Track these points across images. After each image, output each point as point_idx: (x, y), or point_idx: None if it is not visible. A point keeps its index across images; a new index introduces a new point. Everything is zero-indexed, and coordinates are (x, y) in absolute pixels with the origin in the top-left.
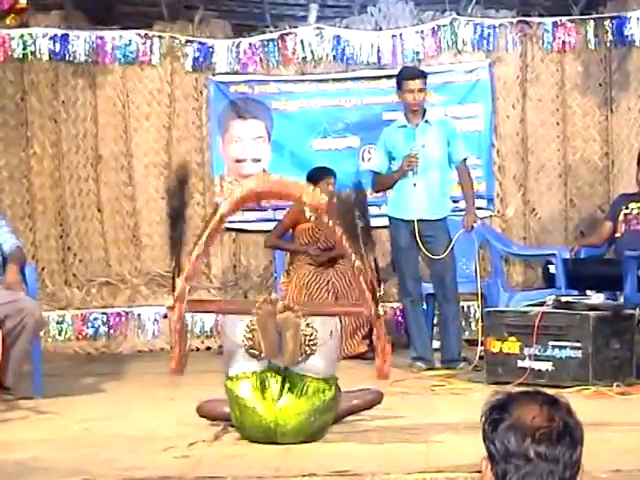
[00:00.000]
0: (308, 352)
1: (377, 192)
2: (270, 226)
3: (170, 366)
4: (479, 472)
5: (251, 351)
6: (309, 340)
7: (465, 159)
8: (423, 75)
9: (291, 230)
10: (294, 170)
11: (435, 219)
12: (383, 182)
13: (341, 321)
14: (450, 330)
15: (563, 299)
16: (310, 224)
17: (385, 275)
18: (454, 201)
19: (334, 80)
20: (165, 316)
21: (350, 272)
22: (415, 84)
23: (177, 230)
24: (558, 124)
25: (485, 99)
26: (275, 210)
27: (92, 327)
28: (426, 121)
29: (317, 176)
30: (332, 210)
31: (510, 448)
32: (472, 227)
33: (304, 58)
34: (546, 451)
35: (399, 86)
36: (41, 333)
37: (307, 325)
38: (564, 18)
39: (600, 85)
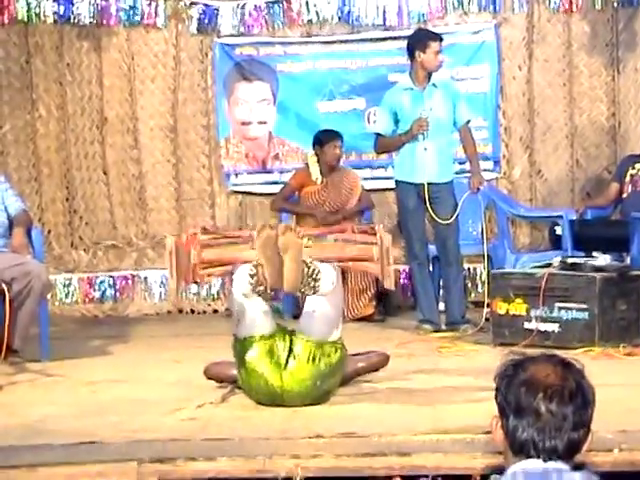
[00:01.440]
0: (311, 285)
1: (380, 154)
2: (276, 189)
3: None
4: (487, 433)
5: (257, 289)
6: (312, 272)
7: (468, 121)
8: (442, 37)
9: (297, 193)
10: (300, 133)
11: (443, 182)
12: (387, 144)
13: (347, 283)
14: (453, 292)
15: (569, 260)
16: (317, 186)
17: (392, 238)
18: (460, 163)
19: (340, 42)
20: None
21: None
22: (440, 45)
23: None
24: (565, 85)
25: (491, 60)
26: (281, 173)
27: (99, 290)
28: (433, 84)
29: (324, 139)
30: None
31: (522, 403)
32: (478, 189)
33: (309, 20)
34: (556, 408)
35: (423, 47)
36: (48, 296)
37: (310, 262)
38: None
39: (607, 45)
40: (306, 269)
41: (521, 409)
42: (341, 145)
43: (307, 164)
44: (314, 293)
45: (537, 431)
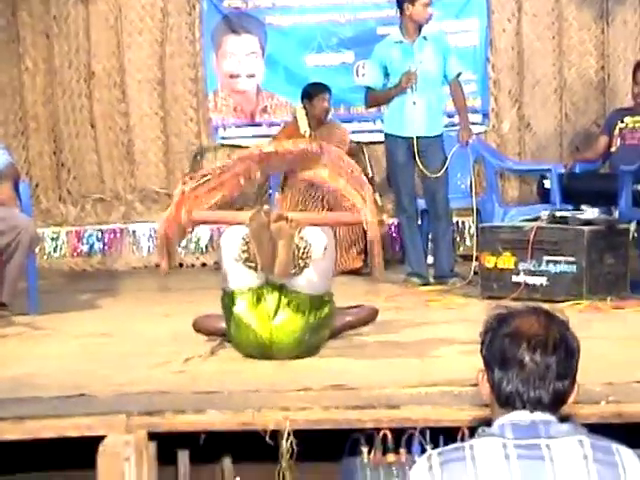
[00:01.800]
0: (302, 265)
1: (370, 107)
2: (265, 141)
3: (161, 265)
4: (474, 385)
5: (248, 264)
6: (303, 253)
7: (459, 74)
8: None
9: None
10: (288, 87)
11: (432, 135)
12: (378, 98)
13: (336, 236)
14: (441, 246)
15: (558, 214)
16: (305, 139)
17: (380, 191)
18: (449, 116)
19: None
20: None
21: None
22: None
23: None
24: (554, 38)
25: (480, 13)
26: (270, 126)
27: (87, 244)
28: (424, 37)
29: (312, 92)
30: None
31: (507, 354)
32: (467, 142)
33: None
34: (540, 358)
35: (411, 0)
36: (36, 250)
37: (301, 238)
38: None
39: None
40: (297, 251)
41: (506, 361)
42: (329, 98)
43: (295, 117)
44: (305, 268)
45: (522, 382)
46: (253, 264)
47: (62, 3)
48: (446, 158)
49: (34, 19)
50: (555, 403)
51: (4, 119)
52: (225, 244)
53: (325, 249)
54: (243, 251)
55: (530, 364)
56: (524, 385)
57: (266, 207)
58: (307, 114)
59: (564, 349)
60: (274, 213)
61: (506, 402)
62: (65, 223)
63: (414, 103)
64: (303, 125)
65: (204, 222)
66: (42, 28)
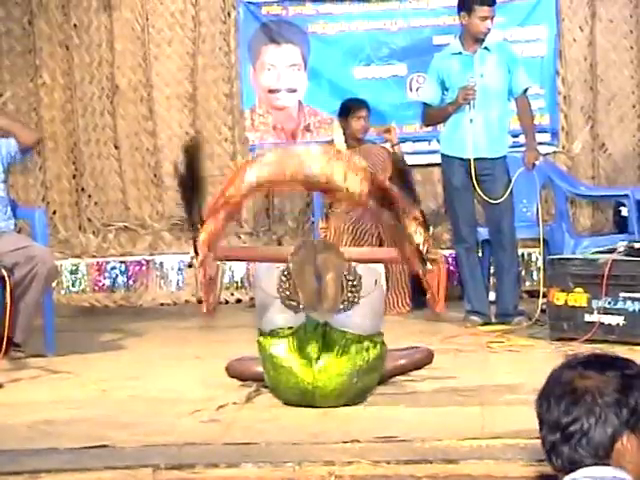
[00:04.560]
0: (351, 300)
1: (427, 126)
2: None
3: (202, 309)
4: (539, 438)
5: (288, 302)
6: (352, 286)
7: (526, 89)
8: (494, 1)
9: None
10: (333, 102)
11: (494, 157)
12: (435, 115)
13: (388, 275)
14: (505, 281)
15: (636, 245)
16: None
17: (436, 219)
18: (514, 136)
19: (378, 0)
20: (190, 265)
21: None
22: (490, 11)
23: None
24: (631, 48)
25: (549, 20)
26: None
27: (109, 277)
28: (485, 48)
29: (346, 109)
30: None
31: None
32: (534, 165)
33: None
34: None
35: (468, 10)
36: (53, 284)
37: (350, 270)
38: None
39: None
40: (345, 284)
41: None
42: (367, 115)
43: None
44: (354, 304)
45: None
46: (294, 302)
47: (83, 11)
48: (510, 181)
49: (52, 28)
50: None
51: None
52: (262, 280)
53: (376, 283)
54: (284, 289)
55: None
56: None
57: (310, 239)
58: (345, 133)
59: None
60: (320, 243)
61: None
62: (85, 254)
63: (471, 121)
64: (339, 143)
65: (239, 259)
66: (61, 38)
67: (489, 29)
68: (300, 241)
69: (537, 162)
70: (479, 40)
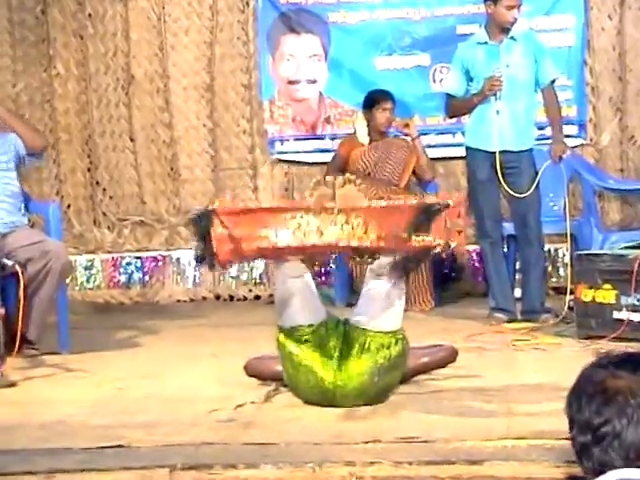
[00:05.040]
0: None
1: (451, 118)
2: (327, 157)
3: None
4: (567, 439)
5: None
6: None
7: (554, 80)
8: None
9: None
10: (355, 93)
11: (520, 150)
12: (459, 107)
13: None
14: (531, 277)
15: None
16: (363, 147)
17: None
18: (540, 128)
19: None
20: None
21: None
22: (517, 0)
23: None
24: None
25: (576, 9)
26: (333, 139)
27: (125, 273)
28: (512, 37)
29: (371, 101)
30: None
31: None
32: (561, 158)
33: None
34: None
35: None
36: (67, 279)
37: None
38: None
39: None
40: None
41: None
42: (392, 107)
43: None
44: (374, 260)
45: None
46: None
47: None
48: (536, 175)
49: (66, 17)
50: None
51: None
52: (283, 270)
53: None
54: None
55: None
56: None
57: (329, 178)
58: (368, 125)
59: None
60: (340, 179)
61: None
62: (100, 250)
63: (497, 112)
64: (362, 135)
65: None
66: (75, 27)
67: (516, 18)
68: (315, 180)
69: (564, 155)
70: (505, 30)
